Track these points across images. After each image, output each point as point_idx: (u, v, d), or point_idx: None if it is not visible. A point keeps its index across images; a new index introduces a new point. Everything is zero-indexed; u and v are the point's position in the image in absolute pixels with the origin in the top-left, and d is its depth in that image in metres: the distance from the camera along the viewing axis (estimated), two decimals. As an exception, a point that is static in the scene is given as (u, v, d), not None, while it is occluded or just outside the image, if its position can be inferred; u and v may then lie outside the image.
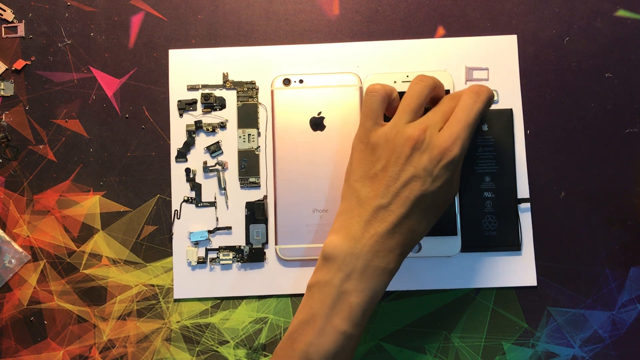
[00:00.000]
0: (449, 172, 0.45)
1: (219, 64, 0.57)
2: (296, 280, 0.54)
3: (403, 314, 0.54)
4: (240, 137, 0.56)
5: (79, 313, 0.55)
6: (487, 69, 0.56)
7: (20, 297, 0.55)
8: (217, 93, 0.56)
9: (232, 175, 0.56)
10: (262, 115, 0.56)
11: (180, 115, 0.56)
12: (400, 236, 0.45)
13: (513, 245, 0.54)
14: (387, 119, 0.49)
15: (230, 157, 0.56)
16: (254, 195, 0.55)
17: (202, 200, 0.55)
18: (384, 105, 0.48)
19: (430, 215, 0.47)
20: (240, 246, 0.55)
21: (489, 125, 0.55)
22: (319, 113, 0.55)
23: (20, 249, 0.55)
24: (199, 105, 0.56)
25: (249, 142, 0.56)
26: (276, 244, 0.54)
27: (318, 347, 0.44)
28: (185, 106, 0.56)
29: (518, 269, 0.54)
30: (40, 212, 0.55)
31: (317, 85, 0.55)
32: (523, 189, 0.55)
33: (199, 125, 0.56)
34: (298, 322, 0.46)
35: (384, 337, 0.54)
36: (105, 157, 0.56)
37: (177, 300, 0.55)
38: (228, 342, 0.54)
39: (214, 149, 0.56)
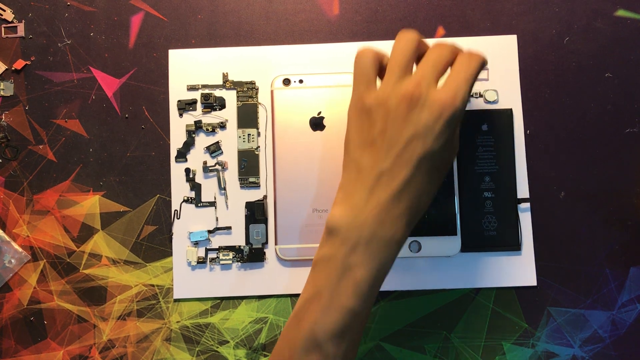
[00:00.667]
0: (451, 129, 0.42)
1: (218, 64, 0.57)
2: (296, 280, 0.54)
3: (403, 314, 0.54)
4: (240, 137, 0.56)
5: (79, 313, 0.55)
6: (487, 68, 0.56)
7: (20, 297, 0.55)
8: (217, 93, 0.56)
9: (232, 175, 0.56)
10: (262, 115, 0.56)
11: (180, 115, 0.56)
12: (406, 202, 0.42)
13: (513, 245, 0.54)
14: None
15: (230, 157, 0.56)
16: (253, 195, 0.55)
17: (202, 200, 0.55)
18: (375, 68, 0.45)
19: (435, 177, 0.44)
20: (240, 246, 0.55)
21: (489, 125, 0.55)
22: (319, 113, 0.55)
23: (20, 249, 0.55)
24: (198, 105, 0.56)
25: (248, 142, 0.56)
26: (276, 244, 0.54)
27: (324, 325, 0.42)
28: (185, 106, 0.56)
29: (518, 269, 0.54)
30: (40, 212, 0.55)
31: (317, 85, 0.55)
32: (523, 189, 0.55)
33: (198, 125, 0.56)
34: (304, 300, 0.44)
35: (384, 337, 0.54)
36: (105, 157, 0.56)
37: (177, 300, 0.55)
38: (228, 342, 0.54)
39: (214, 149, 0.56)
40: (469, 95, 0.43)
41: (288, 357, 0.43)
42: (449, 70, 0.45)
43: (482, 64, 0.45)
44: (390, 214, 0.42)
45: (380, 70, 0.46)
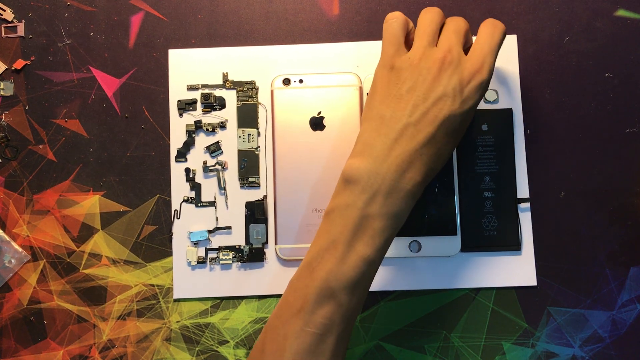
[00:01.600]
0: (478, 95, 0.45)
1: (218, 63, 0.57)
2: (296, 280, 0.54)
3: (403, 314, 0.54)
4: (240, 137, 0.56)
5: (79, 313, 0.55)
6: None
7: (20, 297, 0.55)
8: (217, 93, 0.56)
9: (232, 175, 0.56)
10: (262, 115, 0.56)
11: (180, 115, 0.56)
12: (427, 157, 0.44)
13: (513, 245, 0.54)
14: None
15: (230, 157, 0.56)
16: (253, 195, 0.55)
17: (202, 200, 0.55)
18: (404, 31, 0.47)
19: (454, 140, 0.45)
20: (240, 246, 0.55)
21: (489, 125, 0.55)
22: (319, 113, 0.55)
23: (20, 249, 0.55)
24: (198, 105, 0.56)
25: (248, 142, 0.56)
26: (276, 243, 0.54)
27: (339, 274, 0.42)
28: (185, 106, 0.56)
29: (518, 269, 0.54)
30: (40, 212, 0.55)
31: (317, 85, 0.55)
32: (523, 189, 0.55)
33: (198, 125, 0.56)
34: (317, 249, 0.44)
35: (384, 337, 0.54)
36: (105, 157, 0.56)
37: (177, 300, 0.55)
38: (228, 342, 0.54)
39: (214, 149, 0.56)
40: (494, 66, 0.46)
41: (299, 307, 0.43)
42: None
43: (504, 34, 0.47)
44: (411, 166, 0.43)
45: (407, 37, 0.48)
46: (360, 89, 0.55)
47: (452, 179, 0.54)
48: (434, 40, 0.46)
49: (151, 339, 0.54)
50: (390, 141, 0.44)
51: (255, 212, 0.55)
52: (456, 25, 0.47)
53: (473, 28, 0.56)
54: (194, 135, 0.56)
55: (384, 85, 0.46)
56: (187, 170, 0.56)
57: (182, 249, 0.55)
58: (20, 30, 0.57)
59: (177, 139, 0.56)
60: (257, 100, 0.56)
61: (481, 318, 0.54)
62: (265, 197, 0.55)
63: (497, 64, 0.56)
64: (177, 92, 0.56)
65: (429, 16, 0.47)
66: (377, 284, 0.54)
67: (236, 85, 0.56)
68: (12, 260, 0.55)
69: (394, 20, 0.47)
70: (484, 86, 0.45)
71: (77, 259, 0.55)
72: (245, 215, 0.55)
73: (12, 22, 0.57)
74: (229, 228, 0.55)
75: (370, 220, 0.43)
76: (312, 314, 0.42)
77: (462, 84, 0.44)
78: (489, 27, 0.47)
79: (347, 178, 0.44)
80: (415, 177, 0.44)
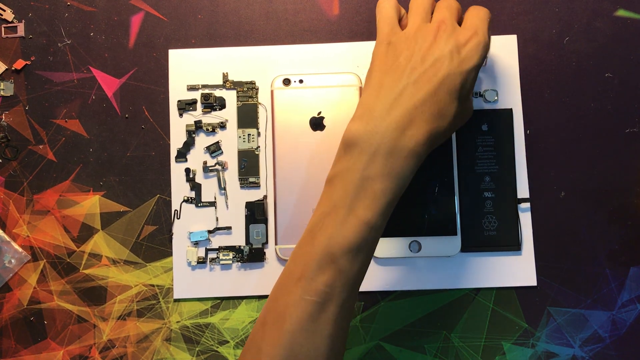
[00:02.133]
0: (478, 56, 0.45)
1: (218, 64, 0.57)
2: (296, 280, 0.54)
3: (403, 314, 0.54)
4: (240, 137, 0.56)
5: (79, 313, 0.55)
6: (487, 57, 0.56)
7: (20, 297, 0.55)
8: (217, 93, 0.56)
9: (232, 175, 0.56)
10: (262, 115, 0.56)
11: (180, 115, 0.56)
12: (429, 115, 0.43)
13: (513, 245, 0.54)
14: None
15: (230, 157, 0.56)
16: (253, 195, 0.55)
17: (202, 200, 0.55)
18: (397, 13, 0.48)
19: (457, 102, 0.44)
20: (240, 246, 0.55)
21: (489, 125, 0.55)
22: (319, 113, 0.55)
23: (20, 249, 0.55)
24: (198, 105, 0.56)
25: (248, 142, 0.56)
26: (276, 244, 0.54)
27: (340, 239, 0.41)
28: (185, 106, 0.56)
29: (518, 269, 0.54)
30: (40, 212, 0.55)
31: (317, 85, 0.55)
32: (523, 189, 0.55)
33: (198, 125, 0.56)
34: (318, 215, 0.43)
35: (384, 337, 0.54)
36: (105, 157, 0.56)
37: (177, 300, 0.55)
38: (228, 342, 0.54)
39: (214, 149, 0.56)
40: (489, 32, 0.46)
41: (299, 274, 0.42)
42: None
43: (490, 15, 0.47)
44: (413, 123, 0.42)
45: (399, 20, 0.48)
46: (360, 89, 0.55)
47: (452, 179, 0.54)
48: (428, 17, 0.47)
49: (151, 339, 0.54)
50: (389, 101, 0.43)
51: (255, 212, 0.55)
52: (448, 2, 0.47)
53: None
54: (194, 135, 0.56)
55: (381, 60, 0.46)
56: (187, 170, 0.56)
57: (182, 249, 0.55)
58: (21, 30, 0.57)
59: (177, 139, 0.56)
60: (257, 101, 0.56)
61: (481, 318, 0.54)
62: (265, 197, 0.55)
63: (496, 64, 0.56)
64: (177, 92, 0.56)
65: None
66: (377, 284, 0.54)
67: (236, 85, 0.56)
68: (12, 261, 0.55)
69: (386, 4, 0.48)
70: (482, 47, 0.45)
71: (77, 259, 0.55)
72: (245, 216, 0.55)
73: (12, 22, 0.57)
74: (229, 228, 0.55)
75: (371, 181, 0.42)
76: (312, 281, 0.41)
77: (459, 45, 0.44)
78: (474, 9, 0.47)
79: (347, 142, 0.43)
80: (417, 135, 0.42)
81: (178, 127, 0.56)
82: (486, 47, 0.45)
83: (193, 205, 0.55)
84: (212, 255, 0.55)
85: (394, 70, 0.44)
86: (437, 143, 0.45)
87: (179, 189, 0.56)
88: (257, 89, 0.56)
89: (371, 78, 0.46)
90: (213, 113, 0.56)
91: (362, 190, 0.42)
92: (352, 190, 0.42)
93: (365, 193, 0.42)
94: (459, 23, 0.47)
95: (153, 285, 0.55)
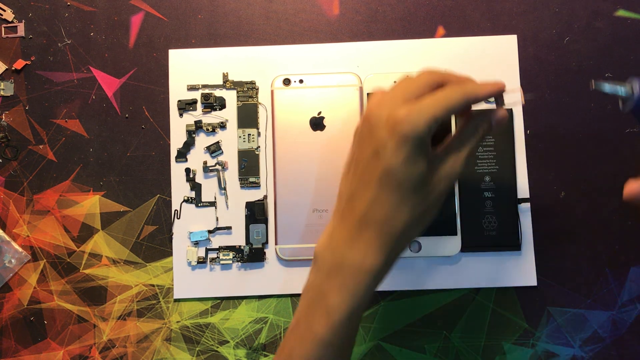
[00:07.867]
0: (410, 145, 0.38)
1: (219, 63, 0.57)
2: (296, 280, 0.54)
3: (403, 314, 0.54)
4: (240, 137, 0.56)
5: (79, 313, 0.55)
6: (523, 95, 0.50)
7: (20, 297, 0.55)
8: (217, 93, 0.56)
9: (232, 175, 0.56)
10: (262, 115, 0.56)
11: (180, 115, 0.56)
12: (375, 225, 0.39)
13: (513, 245, 0.54)
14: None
15: (230, 157, 0.56)
16: (254, 195, 0.55)
17: (202, 200, 0.55)
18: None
19: (410, 201, 0.39)
20: (240, 246, 0.55)
21: (489, 125, 0.55)
22: (319, 113, 0.55)
23: (20, 249, 0.55)
24: (199, 105, 0.56)
25: (249, 142, 0.56)
26: (276, 243, 0.54)
27: (299, 357, 0.41)
28: (185, 106, 0.56)
29: (518, 269, 0.54)
30: (40, 212, 0.55)
31: (317, 85, 0.55)
32: (523, 189, 0.55)
33: (199, 125, 0.56)
34: (287, 330, 0.43)
35: (384, 337, 0.54)
36: (105, 157, 0.56)
37: (177, 300, 0.55)
38: (228, 342, 0.54)
39: (214, 149, 0.56)
40: (434, 117, 0.38)
41: None
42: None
43: (470, 98, 0.40)
44: (360, 238, 0.40)
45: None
46: (361, 89, 0.55)
47: (452, 179, 0.54)
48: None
49: (151, 339, 0.54)
50: (339, 216, 0.41)
51: (256, 212, 0.55)
52: (416, 79, 0.41)
53: (472, 28, 0.56)
54: (194, 135, 0.56)
55: (350, 151, 0.43)
56: (187, 170, 0.56)
57: (182, 249, 0.55)
58: (21, 30, 0.57)
59: (177, 139, 0.56)
60: (257, 100, 0.56)
61: (481, 318, 0.54)
62: (265, 197, 0.55)
63: (497, 64, 0.56)
64: (177, 92, 0.56)
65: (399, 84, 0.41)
66: (377, 284, 0.54)
67: (236, 85, 0.56)
68: (12, 260, 0.55)
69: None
70: (414, 135, 0.38)
71: (77, 259, 0.55)
72: (246, 215, 0.55)
73: (12, 22, 0.57)
74: (229, 228, 0.55)
75: (325, 296, 0.40)
76: None
77: (387, 134, 0.39)
78: (455, 84, 0.41)
79: (313, 257, 0.43)
80: (366, 250, 0.40)
81: (178, 127, 0.56)
82: (422, 133, 0.38)
83: (193, 205, 0.55)
84: (212, 255, 0.55)
85: (346, 175, 0.42)
86: (401, 248, 0.41)
87: (179, 189, 0.56)
88: (257, 89, 0.56)
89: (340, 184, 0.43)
90: (213, 113, 0.56)
91: (317, 305, 0.41)
92: (311, 304, 0.41)
93: (320, 309, 0.40)
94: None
95: (153, 285, 0.55)
